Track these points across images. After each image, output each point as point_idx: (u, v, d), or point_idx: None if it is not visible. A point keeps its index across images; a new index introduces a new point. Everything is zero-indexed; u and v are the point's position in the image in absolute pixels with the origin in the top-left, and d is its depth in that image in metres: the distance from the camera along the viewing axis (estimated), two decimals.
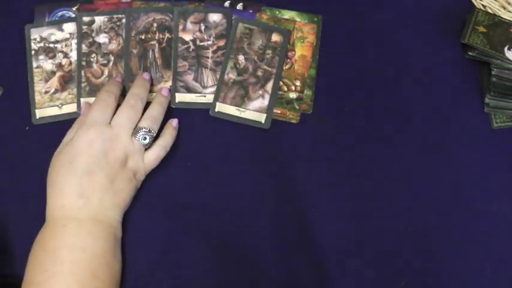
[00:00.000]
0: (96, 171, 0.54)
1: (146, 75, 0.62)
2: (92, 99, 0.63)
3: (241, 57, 0.65)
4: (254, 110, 0.63)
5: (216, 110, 0.63)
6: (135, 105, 0.58)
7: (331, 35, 0.67)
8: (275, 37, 0.66)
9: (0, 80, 0.64)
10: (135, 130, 0.57)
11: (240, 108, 0.63)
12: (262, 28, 0.66)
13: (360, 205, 0.61)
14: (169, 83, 0.64)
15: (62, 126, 0.60)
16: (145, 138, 0.57)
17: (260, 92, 0.64)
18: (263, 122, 0.63)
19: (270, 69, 0.65)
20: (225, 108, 0.63)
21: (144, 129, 0.57)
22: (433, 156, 0.62)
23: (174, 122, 0.61)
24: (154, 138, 0.59)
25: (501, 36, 0.64)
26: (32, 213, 0.55)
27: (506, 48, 0.63)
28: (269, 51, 0.65)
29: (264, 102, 0.64)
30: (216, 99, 0.63)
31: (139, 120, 0.58)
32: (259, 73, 0.65)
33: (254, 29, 0.66)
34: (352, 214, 0.60)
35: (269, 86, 0.64)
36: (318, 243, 0.59)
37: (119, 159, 0.55)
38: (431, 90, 0.65)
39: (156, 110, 0.60)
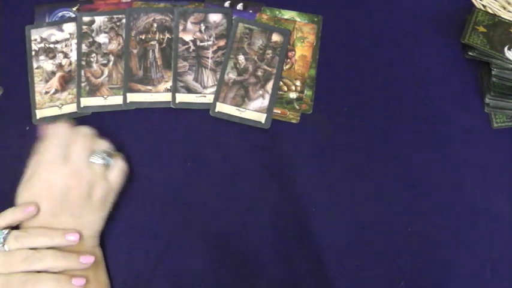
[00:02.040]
0: (60, 214, 0.53)
1: None
2: (91, 100, 0.63)
3: (241, 57, 0.65)
4: (254, 110, 0.63)
5: (216, 110, 0.63)
6: (87, 133, 0.57)
7: (331, 35, 0.67)
8: (275, 37, 0.66)
9: (1, 80, 0.65)
10: (92, 153, 0.56)
11: (240, 108, 0.63)
12: (262, 28, 0.66)
13: (360, 205, 0.61)
14: (170, 83, 0.64)
15: None
16: (103, 158, 0.56)
17: (260, 92, 0.64)
18: (263, 122, 0.63)
19: (270, 69, 0.65)
20: (225, 108, 0.63)
21: (99, 150, 0.56)
22: (433, 156, 0.62)
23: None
24: None
25: (501, 36, 0.64)
26: None
27: (506, 48, 0.63)
28: (269, 51, 0.65)
29: (264, 102, 0.64)
30: (216, 99, 0.63)
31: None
32: (259, 73, 0.65)
33: (254, 29, 0.66)
34: (352, 214, 0.60)
35: (269, 86, 0.64)
36: (318, 243, 0.59)
37: (82, 195, 0.54)
38: (431, 90, 0.65)
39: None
